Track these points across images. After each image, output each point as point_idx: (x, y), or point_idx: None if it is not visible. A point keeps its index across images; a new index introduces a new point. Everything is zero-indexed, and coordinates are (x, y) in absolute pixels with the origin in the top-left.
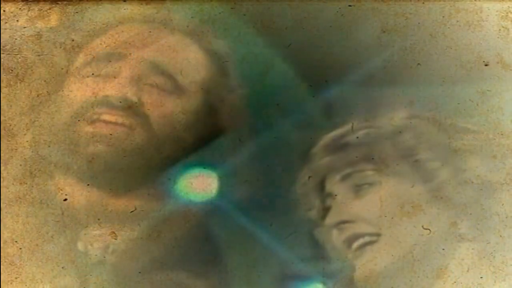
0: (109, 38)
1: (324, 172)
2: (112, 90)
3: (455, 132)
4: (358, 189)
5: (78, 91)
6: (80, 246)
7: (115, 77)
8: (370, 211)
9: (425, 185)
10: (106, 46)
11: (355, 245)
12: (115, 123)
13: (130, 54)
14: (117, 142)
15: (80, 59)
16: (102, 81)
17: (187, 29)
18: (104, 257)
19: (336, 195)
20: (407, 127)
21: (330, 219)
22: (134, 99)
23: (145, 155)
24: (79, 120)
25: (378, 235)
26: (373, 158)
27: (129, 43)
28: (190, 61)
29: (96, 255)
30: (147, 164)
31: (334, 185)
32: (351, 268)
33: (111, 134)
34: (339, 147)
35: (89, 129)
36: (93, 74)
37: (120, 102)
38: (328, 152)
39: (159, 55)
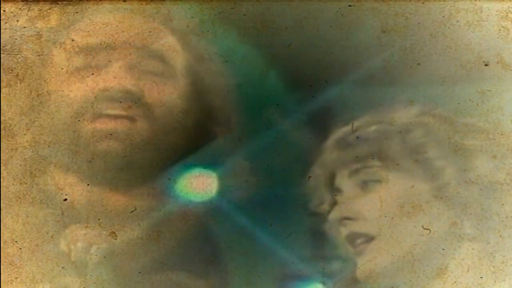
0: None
1: (333, 168)
2: (109, 82)
3: (465, 131)
4: (365, 185)
5: (73, 88)
6: (63, 246)
7: (108, 68)
8: (373, 209)
9: (430, 184)
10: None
11: (356, 243)
12: (119, 116)
13: (116, 41)
14: (123, 135)
15: (69, 55)
16: (96, 74)
17: (161, 15)
18: (88, 257)
19: (342, 190)
20: (417, 124)
21: (335, 214)
22: (134, 88)
23: (146, 154)
24: (80, 120)
25: (374, 237)
26: (380, 155)
27: (112, 31)
28: (172, 45)
29: (79, 255)
30: (147, 164)
31: (342, 181)
32: (353, 264)
33: (116, 129)
34: (348, 143)
35: (93, 126)
36: (84, 68)
37: (121, 94)
38: (338, 148)
39: (144, 40)
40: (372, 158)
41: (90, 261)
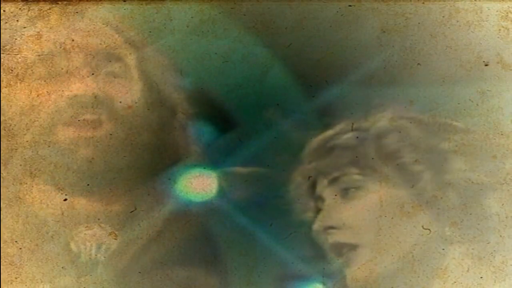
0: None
1: (314, 175)
2: (77, 88)
3: (445, 132)
4: (345, 193)
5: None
6: (72, 246)
7: (72, 73)
8: (356, 217)
9: (430, 184)
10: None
11: (341, 252)
12: (92, 122)
13: (72, 45)
14: (101, 142)
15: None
16: (63, 80)
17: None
18: (97, 256)
19: (324, 199)
20: (393, 129)
21: (318, 224)
22: (100, 92)
23: (146, 154)
24: (57, 126)
25: (358, 246)
26: (359, 162)
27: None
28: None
29: (89, 255)
30: (147, 164)
31: (323, 189)
32: (342, 272)
33: (93, 136)
34: (327, 150)
35: (70, 134)
36: (49, 74)
37: (93, 99)
38: (317, 155)
39: (99, 41)
40: (372, 158)
41: (90, 261)
